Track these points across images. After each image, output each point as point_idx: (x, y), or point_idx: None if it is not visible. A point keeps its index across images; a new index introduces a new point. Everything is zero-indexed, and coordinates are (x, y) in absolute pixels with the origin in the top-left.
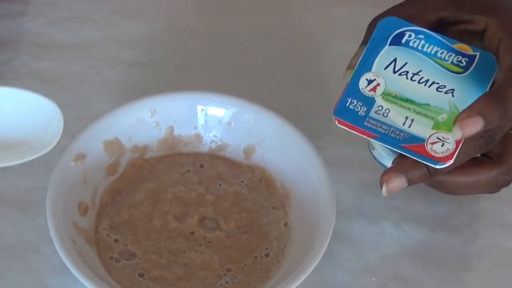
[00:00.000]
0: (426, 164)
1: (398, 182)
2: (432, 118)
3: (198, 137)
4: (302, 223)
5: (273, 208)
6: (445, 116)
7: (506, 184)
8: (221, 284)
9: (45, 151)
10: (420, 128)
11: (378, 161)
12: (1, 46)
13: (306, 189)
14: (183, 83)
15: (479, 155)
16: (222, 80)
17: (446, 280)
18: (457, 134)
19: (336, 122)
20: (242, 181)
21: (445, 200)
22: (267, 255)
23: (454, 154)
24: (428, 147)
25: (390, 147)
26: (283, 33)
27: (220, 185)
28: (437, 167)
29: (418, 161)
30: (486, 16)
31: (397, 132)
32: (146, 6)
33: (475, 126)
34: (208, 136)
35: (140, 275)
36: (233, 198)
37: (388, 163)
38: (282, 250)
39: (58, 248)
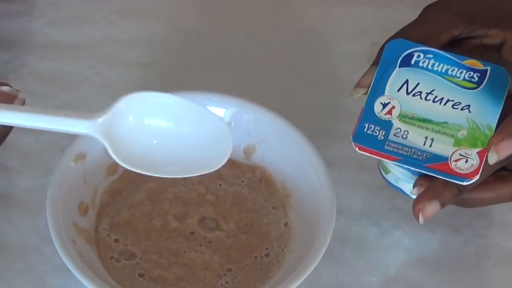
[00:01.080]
0: (455, 184)
1: (433, 208)
2: (452, 136)
3: None
4: (302, 223)
5: (273, 208)
6: (464, 132)
7: None
8: (221, 284)
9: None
10: (442, 146)
11: (392, 184)
12: (1, 46)
13: (306, 189)
14: (183, 83)
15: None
16: (222, 80)
17: (446, 280)
18: (493, 158)
19: (357, 149)
20: (242, 181)
21: None
22: (267, 255)
23: (479, 169)
24: (453, 165)
25: (414, 169)
26: (283, 33)
27: (220, 185)
28: (464, 183)
29: (447, 182)
30: (502, 30)
31: (419, 153)
32: (146, 6)
33: (509, 148)
34: None
35: (140, 275)
36: (233, 198)
37: (405, 186)
38: (282, 250)
39: (58, 248)
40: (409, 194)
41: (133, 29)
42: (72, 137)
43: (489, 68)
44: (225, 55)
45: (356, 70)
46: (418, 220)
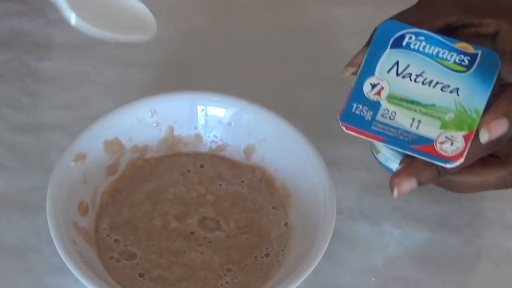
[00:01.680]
0: (436, 165)
1: (409, 185)
2: (439, 118)
3: (198, 137)
4: (302, 223)
5: (273, 208)
6: (452, 115)
7: None
8: (221, 284)
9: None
10: (428, 128)
11: (383, 164)
12: (1, 46)
13: (306, 189)
14: (184, 83)
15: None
16: (222, 80)
17: (446, 280)
18: (484, 136)
19: (343, 128)
20: (242, 181)
21: (446, 200)
22: (267, 255)
23: (464, 152)
24: (438, 147)
25: (399, 150)
26: (283, 33)
27: (220, 185)
28: (448, 166)
29: (427, 162)
30: (497, 19)
31: (405, 134)
32: (146, 6)
33: (501, 128)
34: (208, 136)
35: (140, 275)
36: (233, 198)
37: (394, 166)
38: (282, 250)
39: (58, 248)
40: (389, 167)
41: None
42: (72, 137)
43: (480, 52)
44: (225, 55)
45: None
46: (392, 193)
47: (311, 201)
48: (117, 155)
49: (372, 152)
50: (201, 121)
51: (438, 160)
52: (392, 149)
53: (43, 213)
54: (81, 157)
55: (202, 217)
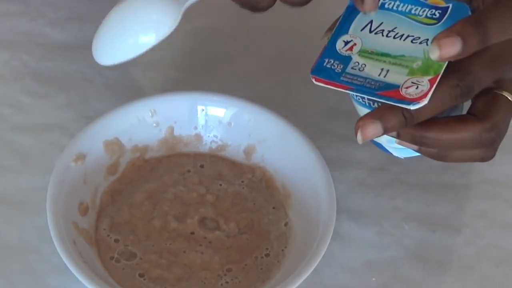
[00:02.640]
0: (402, 110)
1: (374, 129)
2: (407, 67)
3: (198, 137)
4: (302, 223)
5: (273, 208)
6: (419, 62)
7: (491, 142)
8: (221, 284)
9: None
10: (396, 76)
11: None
12: (1, 46)
13: (306, 189)
14: (183, 83)
15: (459, 110)
16: (222, 80)
17: (446, 280)
18: (434, 53)
19: (313, 80)
20: (242, 181)
21: (446, 200)
22: (267, 255)
23: (428, 93)
24: (403, 91)
25: (365, 96)
26: (283, 33)
27: (220, 185)
28: (412, 108)
29: (394, 107)
30: None
31: (372, 82)
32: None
33: (453, 47)
34: (208, 136)
35: (140, 275)
36: (233, 198)
37: None
38: (282, 250)
39: (58, 248)
40: (377, 142)
41: None
42: (72, 137)
43: (450, 5)
44: (225, 55)
45: None
46: (356, 137)
47: (311, 201)
48: (117, 155)
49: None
50: (201, 121)
51: (402, 103)
52: (359, 100)
53: (43, 213)
54: (81, 157)
55: (202, 217)
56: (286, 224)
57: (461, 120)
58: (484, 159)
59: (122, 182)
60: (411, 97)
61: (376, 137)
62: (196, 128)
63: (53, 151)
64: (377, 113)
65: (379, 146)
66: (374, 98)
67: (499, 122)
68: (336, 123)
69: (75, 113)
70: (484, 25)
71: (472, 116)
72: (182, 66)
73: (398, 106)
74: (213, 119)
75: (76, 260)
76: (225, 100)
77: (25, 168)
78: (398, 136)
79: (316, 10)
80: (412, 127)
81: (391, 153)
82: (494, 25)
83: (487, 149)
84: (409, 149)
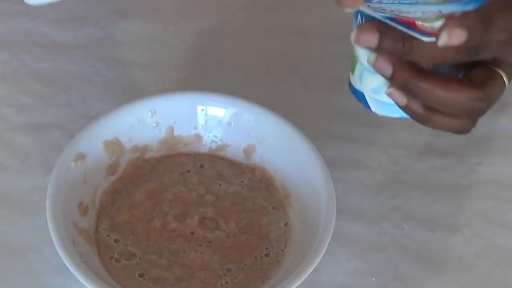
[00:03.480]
0: (404, 40)
1: (370, 38)
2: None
3: (198, 137)
4: (302, 223)
5: (273, 208)
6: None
7: (481, 112)
8: (221, 284)
9: None
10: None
11: (356, 90)
12: (1, 46)
13: (306, 189)
14: (183, 83)
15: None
16: (222, 80)
17: (446, 280)
18: (443, 39)
19: None
20: (242, 181)
21: (446, 200)
22: (267, 255)
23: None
24: (419, 23)
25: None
26: (283, 33)
27: (220, 185)
28: (423, 38)
29: (398, 33)
30: None
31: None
32: (146, 6)
33: (459, 38)
34: (208, 136)
35: (140, 275)
36: (233, 198)
37: (368, 81)
38: (282, 250)
39: (58, 248)
40: (359, 91)
41: (133, 29)
42: (72, 137)
43: None
44: (225, 55)
45: None
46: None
47: (311, 201)
48: (117, 155)
49: (350, 84)
50: (201, 121)
51: (415, 32)
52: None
53: (43, 213)
54: (81, 157)
55: (202, 217)
56: (286, 224)
57: (459, 81)
58: (462, 131)
59: (122, 182)
60: (425, 29)
61: (366, 46)
62: (196, 128)
63: (53, 151)
64: (382, 27)
65: (360, 97)
66: (389, 22)
67: (492, 95)
68: (336, 123)
69: (75, 113)
70: (490, 23)
71: (469, 81)
72: (182, 66)
73: (404, 35)
74: (213, 119)
75: (76, 260)
76: (225, 100)
77: (25, 168)
78: (391, 79)
79: (315, 10)
80: (410, 72)
81: (370, 108)
82: (499, 22)
83: (470, 120)
84: (390, 106)
